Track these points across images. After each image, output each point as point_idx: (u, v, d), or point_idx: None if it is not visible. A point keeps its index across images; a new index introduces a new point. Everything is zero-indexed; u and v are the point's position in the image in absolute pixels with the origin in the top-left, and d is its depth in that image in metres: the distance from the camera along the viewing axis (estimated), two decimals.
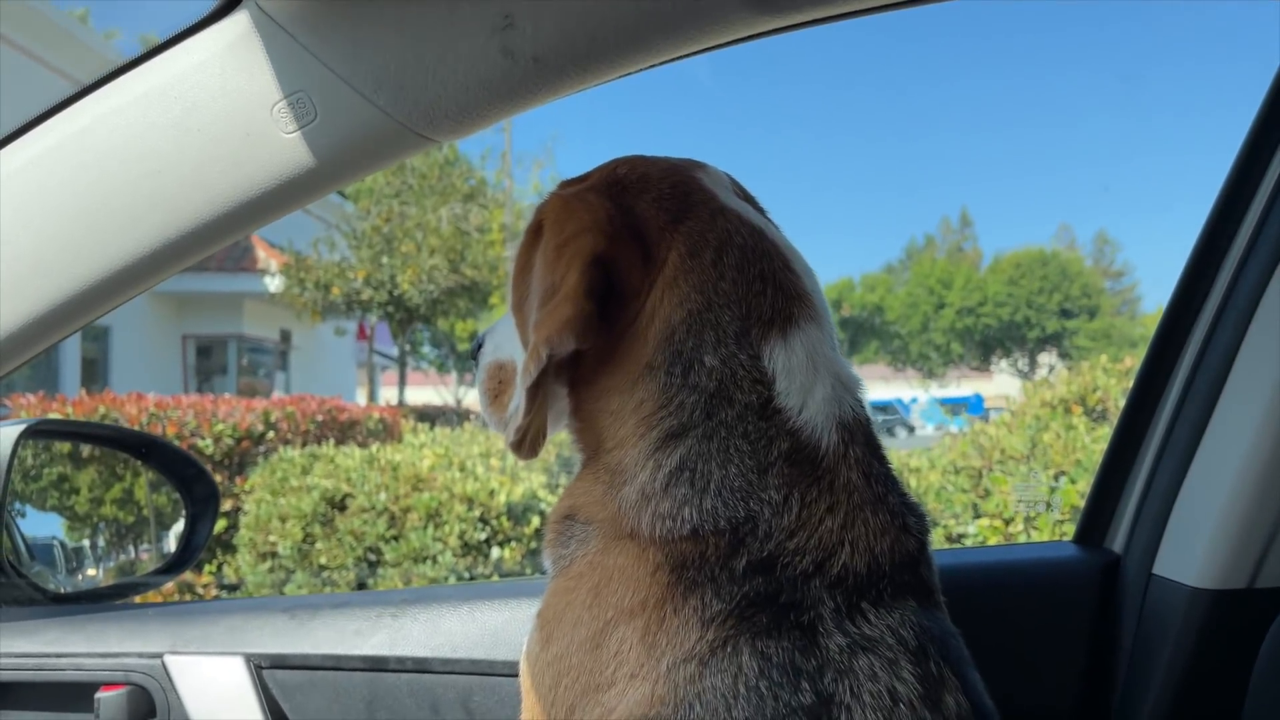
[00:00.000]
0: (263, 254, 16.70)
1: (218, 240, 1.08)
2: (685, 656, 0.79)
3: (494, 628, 1.31)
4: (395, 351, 18.35)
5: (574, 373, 0.95)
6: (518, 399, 0.92)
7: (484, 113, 1.00)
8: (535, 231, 0.97)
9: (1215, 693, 1.27)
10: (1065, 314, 39.28)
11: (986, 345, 41.28)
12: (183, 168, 0.99)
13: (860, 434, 0.89)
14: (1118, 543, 1.47)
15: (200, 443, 6.94)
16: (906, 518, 0.88)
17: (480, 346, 1.10)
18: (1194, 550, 1.29)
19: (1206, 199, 1.39)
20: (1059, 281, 39.79)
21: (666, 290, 0.89)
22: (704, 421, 0.85)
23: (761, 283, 0.90)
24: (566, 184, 1.03)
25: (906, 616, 0.82)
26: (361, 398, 17.28)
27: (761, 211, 1.03)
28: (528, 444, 0.96)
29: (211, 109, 0.96)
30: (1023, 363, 41.19)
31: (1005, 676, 1.42)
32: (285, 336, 18.87)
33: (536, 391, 0.90)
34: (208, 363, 17.91)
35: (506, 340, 1.04)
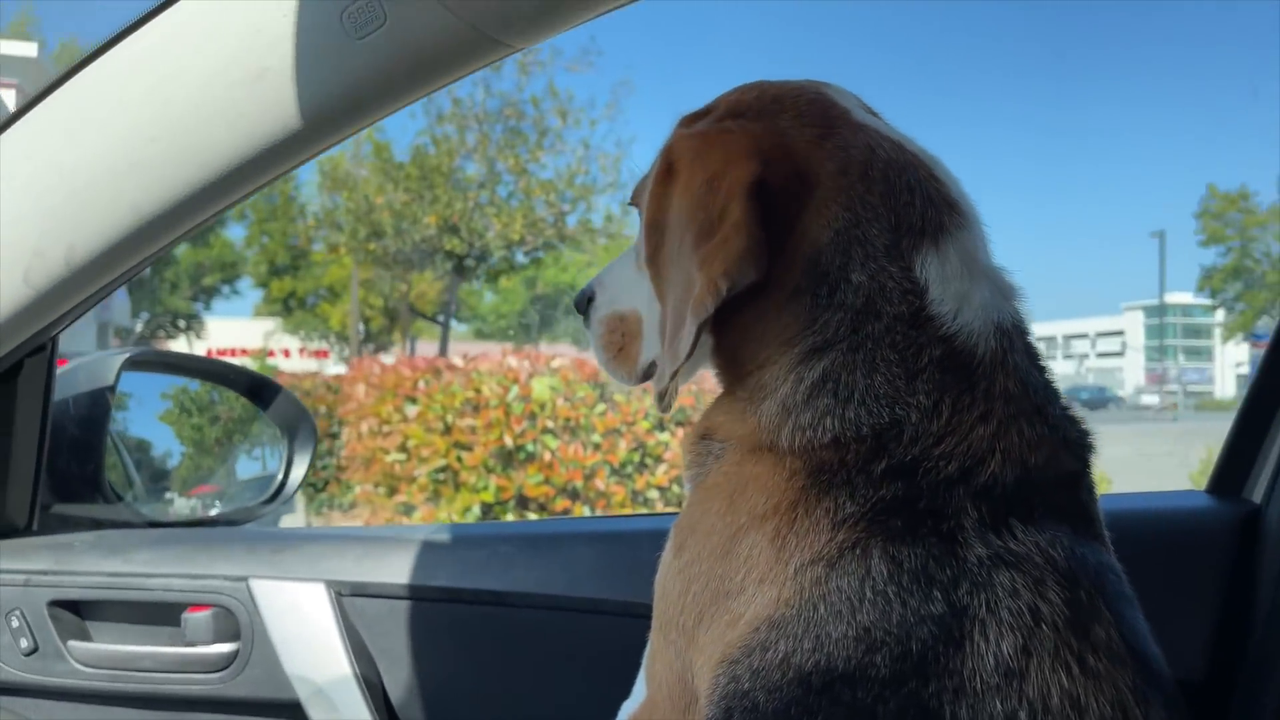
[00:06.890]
0: None
1: (298, 154, 1.08)
2: (813, 558, 0.76)
3: (570, 565, 1.30)
4: None
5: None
6: (658, 346, 0.92)
7: (560, 13, 0.96)
8: (666, 175, 0.92)
9: None
10: None
11: None
12: (259, 80, 0.98)
13: (1020, 341, 0.85)
14: (1258, 492, 1.35)
15: None
16: (1068, 432, 0.83)
17: (590, 299, 1.05)
18: None
19: None
20: None
21: (818, 211, 0.85)
22: (849, 336, 0.82)
23: (909, 194, 0.86)
24: (688, 119, 0.98)
25: (1058, 538, 0.77)
26: None
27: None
28: (672, 391, 0.92)
29: (283, 14, 0.94)
30: None
31: None
32: None
33: (700, 329, 0.86)
34: None
35: (624, 292, 1.02)
